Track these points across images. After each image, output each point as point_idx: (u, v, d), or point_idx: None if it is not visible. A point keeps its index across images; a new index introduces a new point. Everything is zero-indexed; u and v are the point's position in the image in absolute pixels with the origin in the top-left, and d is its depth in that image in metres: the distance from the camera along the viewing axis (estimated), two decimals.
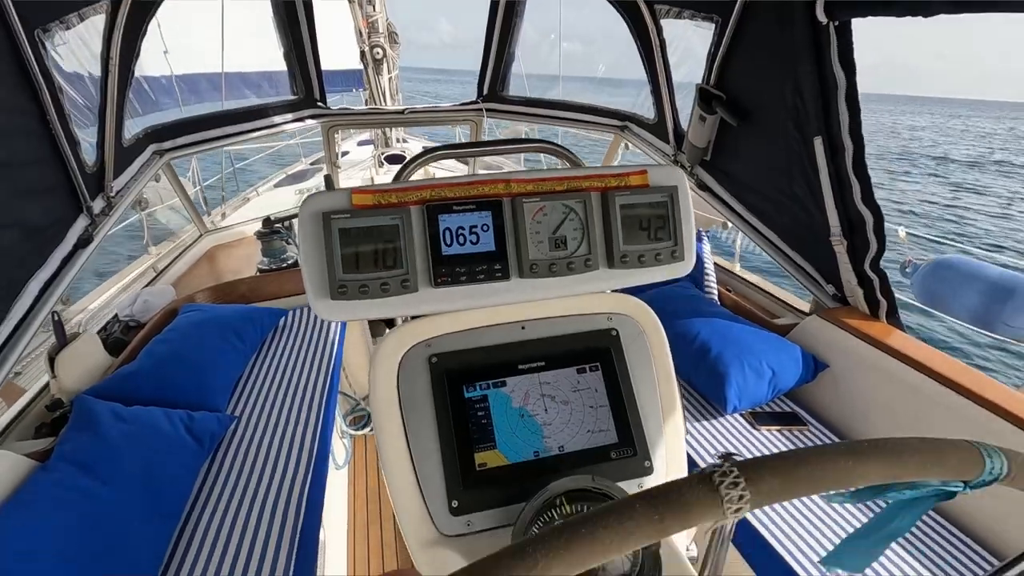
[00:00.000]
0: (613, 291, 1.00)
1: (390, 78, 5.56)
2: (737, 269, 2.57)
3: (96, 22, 1.81)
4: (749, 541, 1.31)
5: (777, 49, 1.74)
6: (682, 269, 0.97)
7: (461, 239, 0.87)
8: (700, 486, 0.32)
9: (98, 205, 1.95)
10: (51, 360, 1.66)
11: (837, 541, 1.21)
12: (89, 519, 1.18)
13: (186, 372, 1.74)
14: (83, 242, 1.84)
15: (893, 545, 1.31)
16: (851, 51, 1.49)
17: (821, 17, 1.45)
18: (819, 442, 1.64)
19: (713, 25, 2.01)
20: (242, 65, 6.15)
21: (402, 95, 5.64)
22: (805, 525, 1.33)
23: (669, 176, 0.95)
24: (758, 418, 1.68)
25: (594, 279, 0.93)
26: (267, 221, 2.50)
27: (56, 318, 1.69)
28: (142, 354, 1.79)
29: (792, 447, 1.63)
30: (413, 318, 0.93)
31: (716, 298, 2.26)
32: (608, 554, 0.31)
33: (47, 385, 1.70)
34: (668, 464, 0.92)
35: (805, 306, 2.09)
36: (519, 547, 0.31)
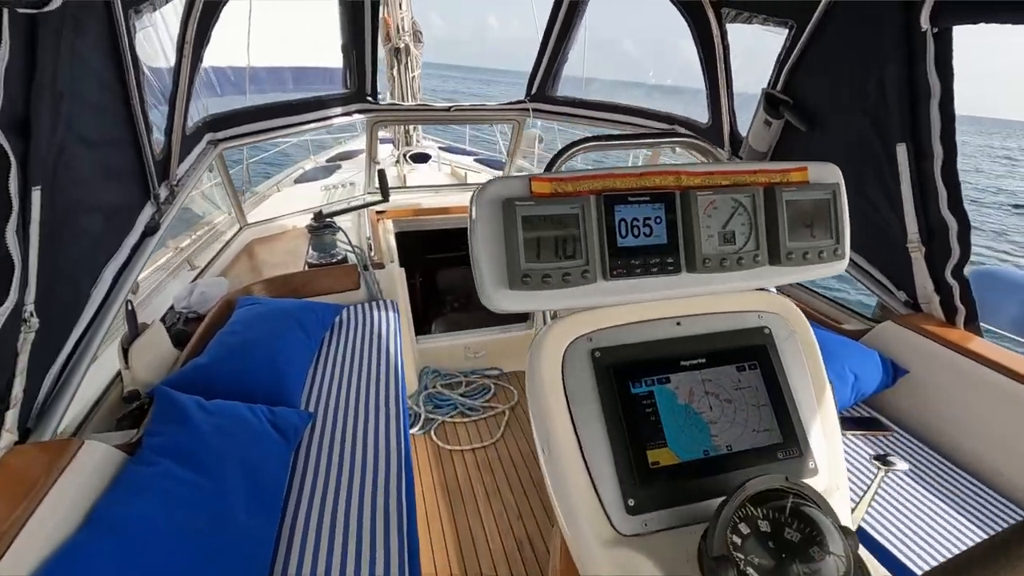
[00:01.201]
0: (759, 289, 0.99)
1: (413, 76, 5.55)
2: None
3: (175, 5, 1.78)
4: None
5: (859, 53, 1.75)
6: (839, 267, 0.96)
7: (636, 231, 0.86)
8: None
9: (163, 192, 1.91)
10: (124, 351, 1.62)
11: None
12: (198, 510, 1.14)
13: (259, 364, 1.70)
14: (150, 230, 1.81)
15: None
16: (950, 57, 1.49)
17: (924, 23, 1.46)
18: (905, 448, 1.64)
19: (786, 30, 2.02)
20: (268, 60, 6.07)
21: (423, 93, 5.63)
22: None
23: (829, 173, 0.95)
24: (841, 424, 1.68)
25: (759, 275, 0.92)
26: (318, 215, 2.46)
27: (130, 307, 1.65)
28: (212, 346, 1.75)
29: (878, 453, 1.62)
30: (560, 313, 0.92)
31: None
32: None
33: (117, 376, 1.66)
34: (830, 465, 0.91)
35: (866, 312, 2.10)
36: None
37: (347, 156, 6.34)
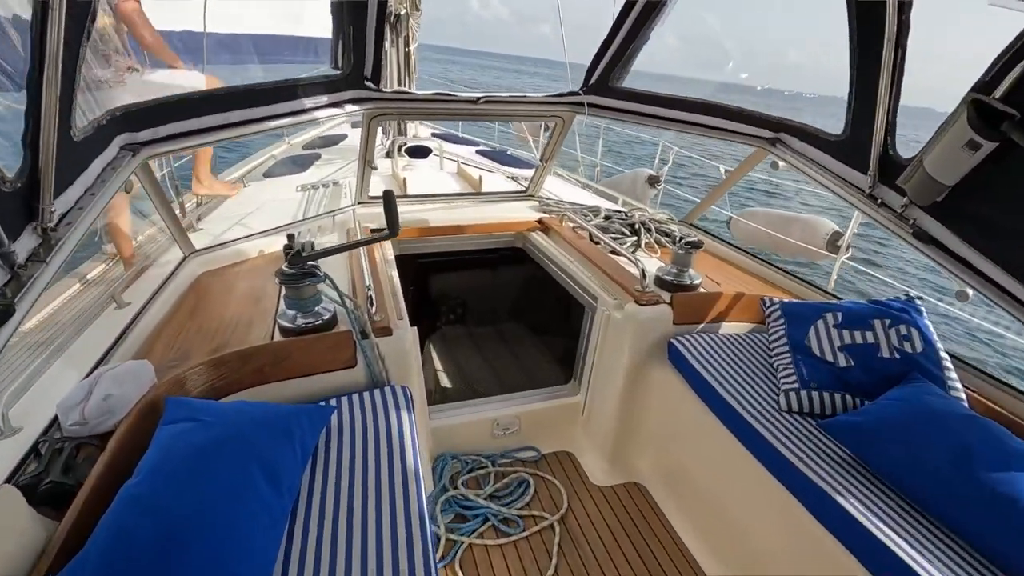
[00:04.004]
0: None
1: (407, 52, 4.69)
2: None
3: None
4: None
5: None
6: None
7: None
8: None
9: (24, 246, 1.12)
10: None
11: None
12: None
13: (194, 568, 0.94)
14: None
15: None
16: None
17: None
18: None
19: None
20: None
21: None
22: None
23: None
24: None
25: None
26: (296, 255, 1.66)
27: None
28: (108, 523, 0.98)
29: None
30: None
31: (965, 402, 1.59)
32: None
33: None
34: None
35: None
36: None
37: (328, 142, 5.45)
